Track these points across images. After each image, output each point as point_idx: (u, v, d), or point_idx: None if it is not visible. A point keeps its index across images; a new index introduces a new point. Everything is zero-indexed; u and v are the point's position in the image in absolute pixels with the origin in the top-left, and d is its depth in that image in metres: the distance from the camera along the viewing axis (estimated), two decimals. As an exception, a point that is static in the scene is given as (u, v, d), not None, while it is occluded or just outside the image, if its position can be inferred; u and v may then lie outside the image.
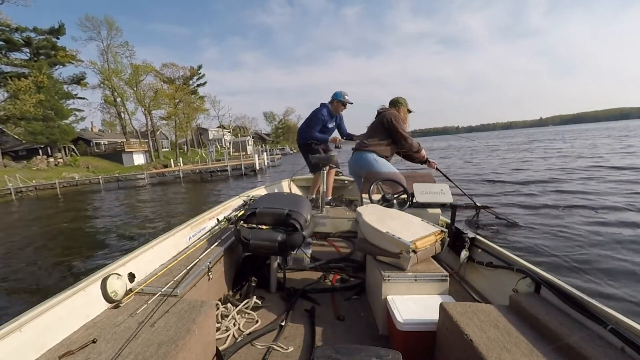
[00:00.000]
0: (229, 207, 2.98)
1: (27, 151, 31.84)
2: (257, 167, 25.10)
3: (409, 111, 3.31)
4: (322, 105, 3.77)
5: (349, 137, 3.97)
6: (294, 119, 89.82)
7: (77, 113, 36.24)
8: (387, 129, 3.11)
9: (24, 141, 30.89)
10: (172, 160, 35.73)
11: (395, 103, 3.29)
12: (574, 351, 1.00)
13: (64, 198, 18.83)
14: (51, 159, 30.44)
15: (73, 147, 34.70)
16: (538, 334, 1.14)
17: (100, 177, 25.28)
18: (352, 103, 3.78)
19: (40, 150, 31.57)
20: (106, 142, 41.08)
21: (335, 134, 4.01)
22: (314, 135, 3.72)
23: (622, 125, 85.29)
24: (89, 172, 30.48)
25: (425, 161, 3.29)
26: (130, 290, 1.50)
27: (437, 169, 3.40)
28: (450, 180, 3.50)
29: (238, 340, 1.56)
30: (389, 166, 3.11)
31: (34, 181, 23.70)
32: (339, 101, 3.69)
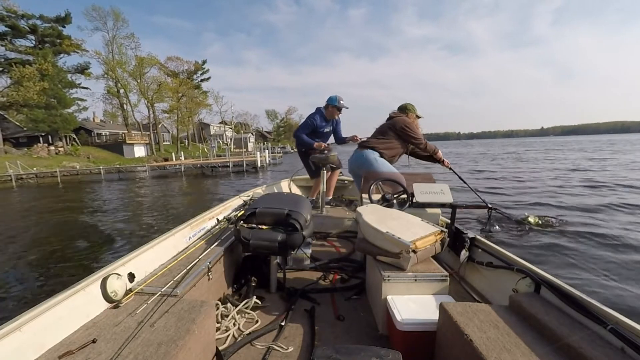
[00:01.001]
0: (229, 207, 2.97)
1: (27, 138, 31.77)
2: (259, 165, 25.15)
3: (418, 117, 3.39)
4: (317, 110, 3.77)
5: (342, 140, 3.98)
6: (296, 117, 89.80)
7: (79, 102, 36.27)
8: (399, 134, 3.20)
9: (25, 128, 30.87)
10: (173, 153, 35.73)
11: (404, 109, 3.37)
12: (574, 351, 1.00)
13: (65, 187, 18.83)
14: (52, 148, 30.39)
15: (74, 136, 34.63)
16: (538, 334, 1.15)
17: (101, 167, 25.26)
18: (347, 107, 3.75)
19: (41, 138, 31.49)
20: (107, 133, 40.97)
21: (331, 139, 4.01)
22: (299, 137, 3.72)
23: (626, 139, 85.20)
24: (90, 162, 30.48)
25: (441, 161, 3.37)
26: (130, 290, 1.49)
27: (450, 168, 3.48)
28: (462, 179, 3.53)
29: (238, 340, 1.56)
30: (389, 167, 3.16)
31: (34, 169, 23.69)
32: (333, 106, 3.67)
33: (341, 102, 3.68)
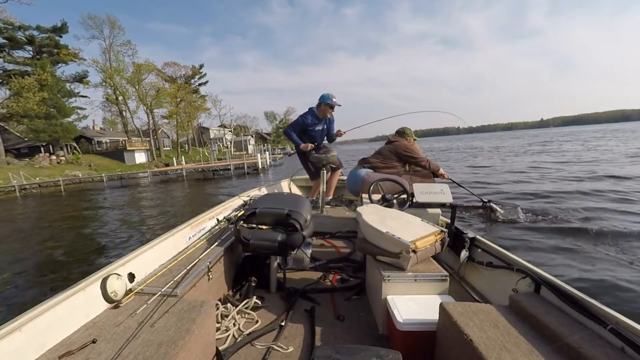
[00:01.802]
0: (229, 207, 2.96)
1: (29, 149, 31.95)
2: (260, 166, 25.22)
3: (415, 139, 3.56)
4: (309, 109, 3.76)
5: (331, 138, 3.98)
6: (295, 118, 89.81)
7: (79, 111, 36.41)
8: (401, 158, 3.37)
9: (26, 139, 31.01)
10: (174, 158, 35.87)
11: (402, 133, 3.57)
12: (574, 351, 1.00)
13: (68, 196, 18.92)
14: (53, 157, 30.54)
15: (75, 145, 34.80)
16: (538, 334, 1.15)
17: (103, 175, 25.37)
18: (339, 105, 3.71)
19: (42, 148, 31.66)
20: (108, 141, 41.13)
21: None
22: (288, 134, 3.73)
23: (631, 127, 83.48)
24: (92, 170, 30.63)
25: (442, 176, 3.46)
26: (130, 290, 1.50)
27: (450, 179, 3.52)
28: (461, 186, 3.58)
29: (238, 340, 1.56)
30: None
31: (37, 178, 23.83)
32: (326, 104, 3.62)
33: (333, 99, 3.63)
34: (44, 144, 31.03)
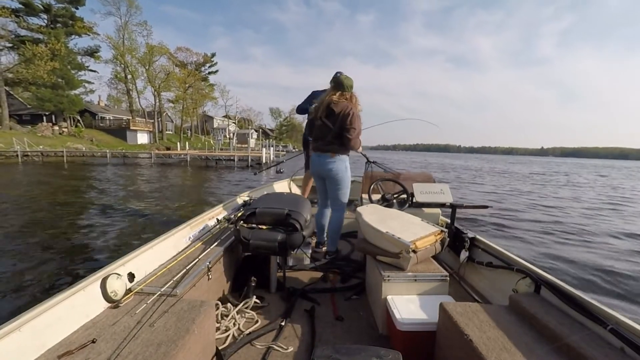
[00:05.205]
0: (228, 207, 2.94)
1: (31, 116, 31.81)
2: (264, 161, 25.25)
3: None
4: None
5: None
6: (300, 117, 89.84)
7: (86, 85, 36.25)
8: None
9: (30, 106, 30.81)
10: (177, 143, 35.76)
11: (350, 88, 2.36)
12: (574, 351, 1.01)
13: (70, 167, 18.92)
14: (56, 127, 30.43)
15: (79, 118, 34.65)
16: (538, 334, 1.16)
17: (107, 151, 25.33)
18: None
19: (45, 117, 31.47)
20: (111, 118, 40.98)
21: None
22: (300, 107, 3.44)
23: (625, 165, 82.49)
24: (93, 144, 30.55)
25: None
26: (130, 290, 1.48)
27: (362, 153, 3.02)
28: (371, 161, 3.10)
29: (238, 340, 1.56)
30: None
31: (40, 147, 23.72)
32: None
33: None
34: (47, 113, 30.82)
